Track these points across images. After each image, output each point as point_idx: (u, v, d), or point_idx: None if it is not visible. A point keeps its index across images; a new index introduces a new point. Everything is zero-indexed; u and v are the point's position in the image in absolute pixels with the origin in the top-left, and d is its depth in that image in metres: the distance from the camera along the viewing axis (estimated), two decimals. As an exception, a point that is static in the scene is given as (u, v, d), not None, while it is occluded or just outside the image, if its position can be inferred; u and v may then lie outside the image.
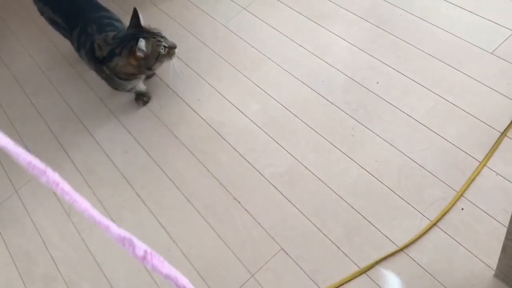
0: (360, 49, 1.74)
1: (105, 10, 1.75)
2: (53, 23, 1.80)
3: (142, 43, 1.51)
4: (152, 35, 1.57)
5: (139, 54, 1.53)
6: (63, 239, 1.58)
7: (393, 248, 1.30)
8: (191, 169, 1.60)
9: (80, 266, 1.51)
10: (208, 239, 1.45)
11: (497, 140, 1.40)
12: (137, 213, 1.57)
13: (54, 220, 1.62)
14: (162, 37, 1.59)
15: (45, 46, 2.17)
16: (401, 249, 1.28)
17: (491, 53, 1.59)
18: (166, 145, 1.69)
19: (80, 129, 1.84)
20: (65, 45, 1.92)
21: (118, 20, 1.75)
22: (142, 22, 1.58)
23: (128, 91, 1.79)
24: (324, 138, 1.56)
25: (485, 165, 1.37)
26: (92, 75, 1.87)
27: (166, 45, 1.59)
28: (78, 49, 1.72)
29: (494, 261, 1.17)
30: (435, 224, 1.30)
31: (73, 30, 1.69)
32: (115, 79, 1.65)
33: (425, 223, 1.32)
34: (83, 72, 2.00)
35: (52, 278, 1.50)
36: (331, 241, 1.36)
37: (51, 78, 2.06)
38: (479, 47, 1.62)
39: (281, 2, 1.99)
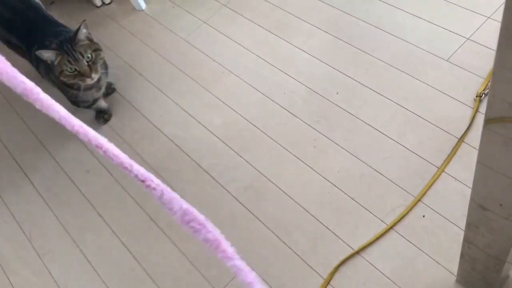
0: (320, 60, 1.75)
1: (63, 25, 1.72)
2: (9, 43, 1.76)
3: (40, 52, 1.47)
4: (71, 52, 1.49)
5: (45, 59, 1.49)
6: (23, 265, 1.53)
7: (357, 258, 1.30)
8: (154, 186, 1.58)
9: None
10: (173, 257, 1.43)
11: (454, 146, 1.42)
12: (100, 234, 1.53)
13: (14, 245, 1.58)
14: (83, 58, 1.50)
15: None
16: (357, 252, 1.29)
17: (446, 60, 1.63)
18: (129, 163, 1.66)
19: (39, 149, 1.80)
20: (23, 64, 1.88)
21: None
22: (80, 36, 1.51)
23: (88, 107, 1.75)
24: (287, 150, 1.56)
25: (443, 170, 1.39)
26: (51, 94, 1.83)
27: (76, 68, 1.50)
28: (37, 66, 1.68)
29: (456, 267, 1.19)
30: (391, 227, 1.32)
31: (31, 48, 1.65)
32: (67, 90, 1.61)
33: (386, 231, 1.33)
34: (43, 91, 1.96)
35: (13, 306, 1.46)
36: (297, 254, 1.35)
37: (8, 97, 2.01)
38: (435, 55, 1.65)
39: (242, 16, 2.00)
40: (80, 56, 1.49)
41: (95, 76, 1.53)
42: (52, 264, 1.51)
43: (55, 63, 1.50)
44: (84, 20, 1.53)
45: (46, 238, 1.57)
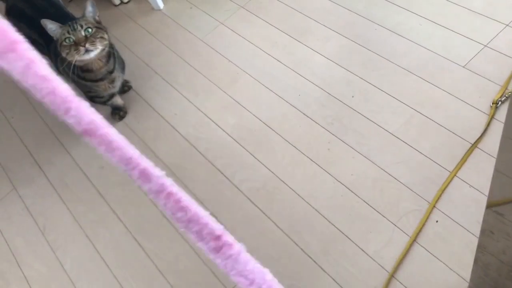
0: (336, 64, 1.76)
1: None
2: (30, 40, 1.78)
3: (44, 21, 1.50)
4: (73, 24, 1.51)
5: (48, 30, 1.52)
6: (36, 258, 1.55)
7: (370, 262, 1.30)
8: (168, 184, 1.59)
9: (54, 285, 1.48)
10: (185, 256, 1.43)
11: (467, 151, 1.42)
12: (113, 230, 1.55)
13: (28, 238, 1.60)
14: (81, 29, 1.50)
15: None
16: (392, 275, 1.28)
17: (463, 67, 1.62)
18: (143, 160, 1.68)
19: (55, 145, 1.82)
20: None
21: None
22: (87, 13, 1.55)
23: (104, 103, 1.77)
24: (301, 152, 1.56)
25: (455, 175, 1.39)
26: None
27: (73, 38, 1.50)
28: (55, 62, 1.71)
29: (468, 273, 1.18)
30: (414, 240, 1.31)
31: (49, 44, 1.67)
32: (81, 82, 1.64)
33: (398, 235, 1.32)
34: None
35: (25, 298, 1.47)
36: (308, 255, 1.35)
37: (27, 93, 2.03)
38: (452, 61, 1.65)
39: (258, 17, 2.01)
40: (79, 27, 1.51)
41: (90, 48, 1.51)
42: (64, 258, 1.53)
43: (58, 36, 1.53)
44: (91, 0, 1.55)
45: (59, 232, 1.59)
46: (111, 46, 1.65)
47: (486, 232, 0.94)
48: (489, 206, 0.85)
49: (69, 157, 1.77)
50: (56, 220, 1.62)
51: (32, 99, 2.00)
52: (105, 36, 1.57)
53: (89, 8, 1.55)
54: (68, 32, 1.50)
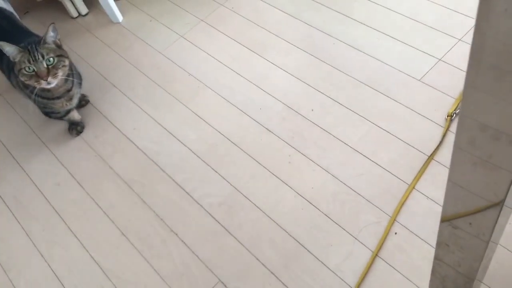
0: (296, 77, 1.77)
1: (37, 35, 1.69)
2: None
3: (2, 44, 1.45)
4: (33, 51, 1.46)
5: (5, 52, 1.48)
6: (-12, 280, 1.48)
7: (330, 276, 1.30)
8: (126, 201, 1.56)
9: (6, 308, 1.42)
10: (144, 274, 1.40)
11: (424, 163, 1.45)
12: (70, 248, 1.50)
13: (-22, 259, 1.53)
14: (43, 60, 1.46)
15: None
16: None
17: (419, 80, 1.66)
18: (100, 176, 1.64)
19: (8, 161, 1.75)
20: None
21: None
22: (48, 38, 1.50)
23: (60, 118, 1.73)
24: (262, 166, 1.56)
25: (413, 187, 1.41)
26: (23, 105, 1.81)
27: (33, 68, 1.46)
28: (9, 76, 1.65)
29: (426, 285, 1.20)
30: (377, 255, 1.31)
31: (3, 58, 1.62)
32: (37, 99, 1.59)
33: (358, 248, 1.33)
34: (13, 102, 1.92)
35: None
36: (269, 270, 1.34)
37: (-22, 108, 1.96)
38: (408, 75, 1.68)
39: (218, 31, 2.00)
40: (41, 58, 1.46)
41: (51, 81, 1.48)
42: (18, 280, 1.47)
43: (16, 60, 1.47)
44: (53, 23, 1.50)
45: (12, 252, 1.53)
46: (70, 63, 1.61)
47: (441, 244, 0.95)
48: (444, 219, 0.87)
49: (23, 173, 1.71)
50: (8, 240, 1.55)
51: (-16, 114, 1.93)
52: (67, 62, 1.53)
53: (51, 33, 1.50)
54: (29, 61, 1.45)
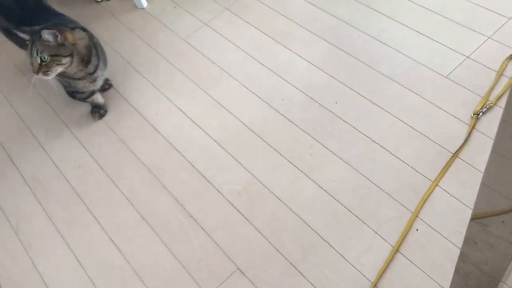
0: (320, 69, 1.75)
1: (62, 15, 1.69)
2: (7, 32, 1.74)
3: (22, 28, 1.46)
4: (32, 44, 1.45)
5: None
6: (8, 257, 1.50)
7: (349, 268, 1.30)
8: (147, 185, 1.56)
9: (27, 286, 1.43)
10: (163, 258, 1.41)
11: (448, 161, 1.43)
12: (89, 230, 1.51)
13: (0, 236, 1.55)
14: (37, 57, 1.45)
15: (-4, 54, 2.08)
16: (375, 285, 1.27)
17: (445, 77, 1.64)
18: (122, 160, 1.64)
19: (30, 141, 1.77)
20: (19, 54, 1.86)
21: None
22: (44, 36, 1.45)
23: (84, 99, 1.73)
24: (283, 156, 1.55)
25: (437, 185, 1.39)
26: (46, 86, 1.81)
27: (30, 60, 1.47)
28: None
29: (447, 282, 1.19)
30: (397, 250, 1.31)
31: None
32: (59, 78, 1.61)
33: (378, 242, 1.33)
34: (36, 82, 1.93)
35: (-5, 299, 1.42)
36: (288, 260, 1.34)
37: (2, 86, 1.97)
38: (434, 71, 1.66)
39: (243, 19, 1.99)
40: (35, 53, 1.45)
41: (43, 77, 1.48)
42: (38, 259, 1.48)
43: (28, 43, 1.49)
44: (56, 30, 1.45)
45: (33, 231, 1.54)
46: (95, 46, 1.60)
47: (469, 241, 0.95)
48: (474, 216, 0.86)
49: (44, 153, 1.72)
50: (29, 219, 1.57)
51: (7, 93, 1.94)
52: (64, 61, 1.50)
53: (45, 36, 1.45)
54: (28, 52, 1.46)
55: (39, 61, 1.45)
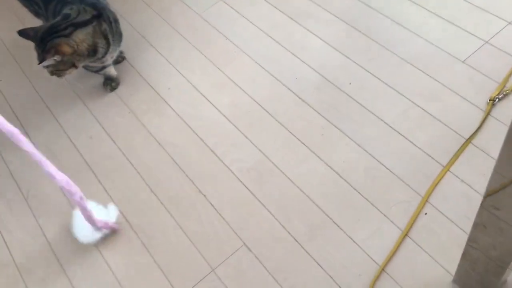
0: (335, 49, 1.73)
1: None
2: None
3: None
4: (37, 46, 1.50)
5: None
6: (18, 224, 1.52)
7: (356, 250, 1.30)
8: (158, 160, 1.57)
9: (35, 253, 1.45)
10: (171, 231, 1.42)
11: (461, 146, 1.42)
12: (99, 202, 1.51)
13: (10, 204, 1.56)
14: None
15: (12, 24, 2.08)
16: (382, 269, 1.26)
17: (462, 62, 1.61)
18: (133, 133, 1.65)
19: (43, 111, 1.78)
20: (35, 23, 1.84)
21: None
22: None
23: (96, 72, 1.73)
24: (294, 136, 1.55)
25: (448, 170, 1.38)
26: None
27: None
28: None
29: (453, 267, 1.19)
30: (406, 234, 1.30)
31: (48, 4, 1.61)
32: None
33: (386, 225, 1.32)
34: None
35: (4, 265, 1.44)
36: (295, 239, 1.35)
37: (17, 56, 1.98)
38: (451, 55, 1.64)
39: (259, -4, 1.97)
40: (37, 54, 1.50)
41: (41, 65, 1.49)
42: (47, 227, 1.50)
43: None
44: (55, 56, 1.46)
45: (43, 200, 1.56)
46: (103, 35, 1.57)
47: (478, 226, 0.94)
48: (486, 198, 0.85)
49: (57, 124, 1.73)
50: (40, 188, 1.58)
51: (22, 63, 1.95)
52: (67, 72, 1.52)
53: (44, 66, 1.48)
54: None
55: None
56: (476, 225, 0.94)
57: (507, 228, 0.85)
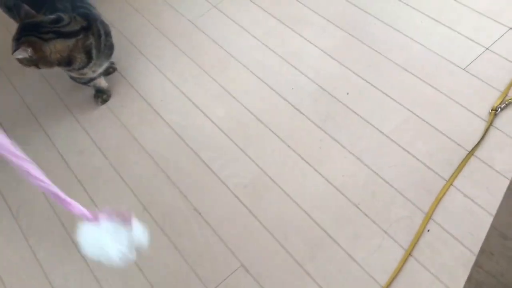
0: (332, 57, 1.69)
1: None
2: (10, 10, 1.67)
3: None
4: (15, 39, 1.41)
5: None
6: (8, 244, 1.47)
7: (357, 269, 1.26)
8: (150, 174, 1.52)
9: (25, 274, 1.40)
10: (165, 251, 1.37)
11: (463, 159, 1.37)
12: (90, 219, 1.47)
13: (-1, 223, 1.52)
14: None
15: (-1, 33, 2.03)
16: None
17: (463, 69, 1.57)
18: (125, 147, 1.60)
19: (32, 124, 1.72)
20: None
21: (91, 6, 1.62)
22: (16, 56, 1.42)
23: (85, 83, 1.68)
24: (291, 149, 1.50)
25: (451, 184, 1.34)
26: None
27: None
28: None
29: (457, 286, 1.15)
30: (410, 254, 1.26)
31: (39, 12, 1.55)
32: None
33: (387, 242, 1.28)
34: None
35: (-6, 287, 1.40)
36: (294, 258, 1.30)
37: (4, 68, 1.92)
38: (452, 62, 1.59)
39: (253, 3, 1.92)
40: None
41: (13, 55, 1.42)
42: (37, 246, 1.45)
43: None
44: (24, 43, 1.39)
45: (33, 218, 1.51)
46: (99, 37, 1.52)
47: (485, 252, 0.90)
48: (494, 227, 0.81)
49: (46, 138, 1.68)
50: (30, 206, 1.53)
51: (10, 74, 1.89)
52: (27, 64, 1.44)
53: (18, 57, 1.40)
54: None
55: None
56: (482, 251, 0.90)
57: (517, 258, 0.81)
